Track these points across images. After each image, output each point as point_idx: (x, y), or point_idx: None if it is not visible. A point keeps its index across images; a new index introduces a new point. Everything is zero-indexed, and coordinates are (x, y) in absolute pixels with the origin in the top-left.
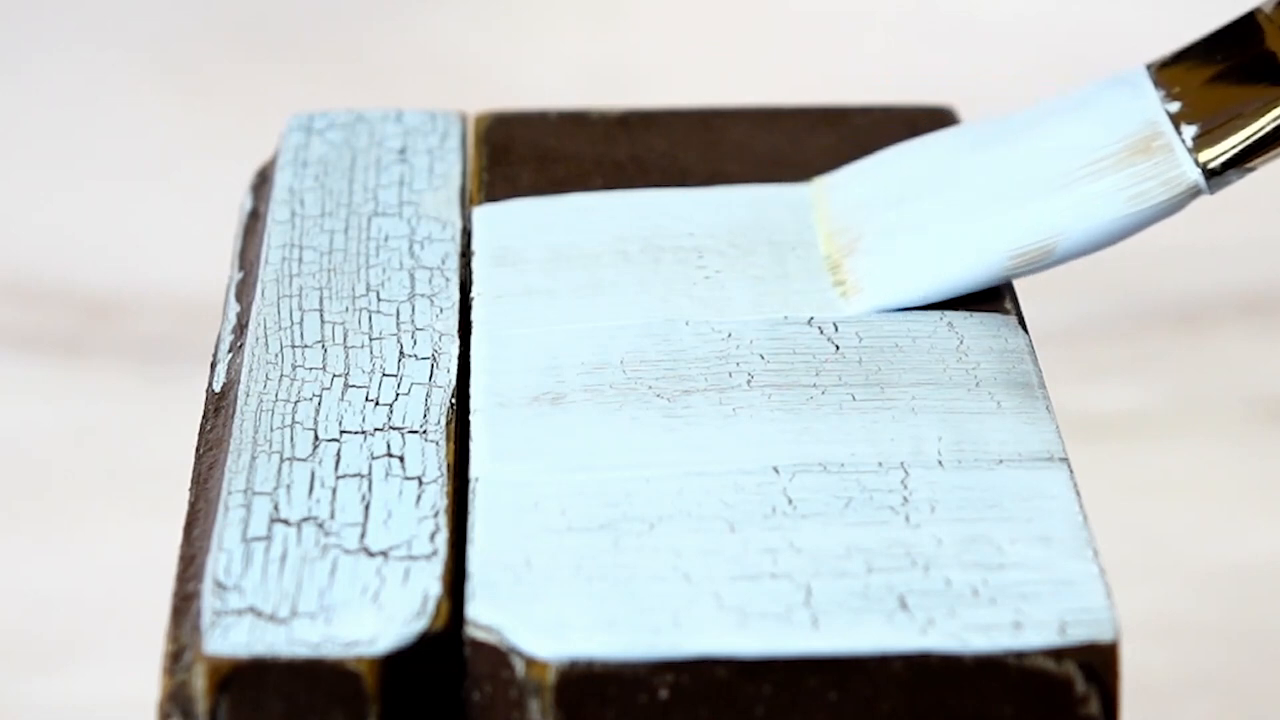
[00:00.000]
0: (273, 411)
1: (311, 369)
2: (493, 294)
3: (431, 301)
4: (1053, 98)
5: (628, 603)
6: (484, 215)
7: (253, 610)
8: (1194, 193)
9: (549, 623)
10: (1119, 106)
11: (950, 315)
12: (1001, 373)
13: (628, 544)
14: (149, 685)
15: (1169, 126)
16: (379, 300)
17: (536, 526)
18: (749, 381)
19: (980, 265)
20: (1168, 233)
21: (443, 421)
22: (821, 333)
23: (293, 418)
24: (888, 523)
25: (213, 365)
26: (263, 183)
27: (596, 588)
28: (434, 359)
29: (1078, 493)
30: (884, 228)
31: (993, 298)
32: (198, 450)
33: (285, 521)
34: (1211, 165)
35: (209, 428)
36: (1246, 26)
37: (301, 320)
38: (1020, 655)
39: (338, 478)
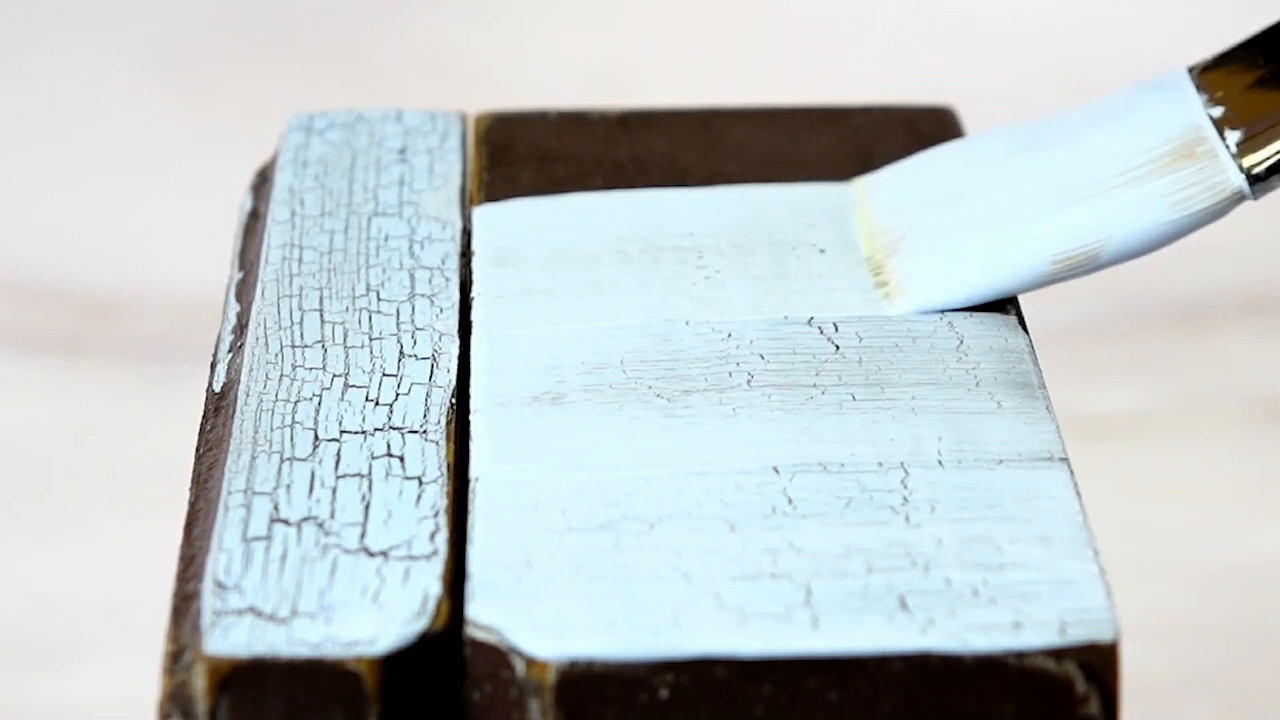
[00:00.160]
0: (273, 411)
1: (311, 369)
2: (493, 294)
3: (431, 301)
4: (1094, 101)
5: (628, 603)
6: (484, 215)
7: (253, 610)
8: (1238, 198)
9: (549, 623)
10: (1162, 111)
11: (950, 315)
12: (1001, 373)
13: (628, 544)
14: (149, 685)
15: (1212, 131)
16: (379, 300)
17: (536, 526)
18: (749, 381)
19: (1024, 269)
20: None
21: (443, 421)
22: (821, 333)
23: (293, 418)
24: (888, 523)
25: (213, 365)
26: (263, 183)
27: (596, 588)
28: (434, 359)
29: (1078, 493)
30: (927, 229)
31: None
32: (198, 450)
33: (285, 521)
34: (1256, 170)
35: (209, 428)
36: None
37: (301, 320)
38: (1020, 655)
39: (338, 478)
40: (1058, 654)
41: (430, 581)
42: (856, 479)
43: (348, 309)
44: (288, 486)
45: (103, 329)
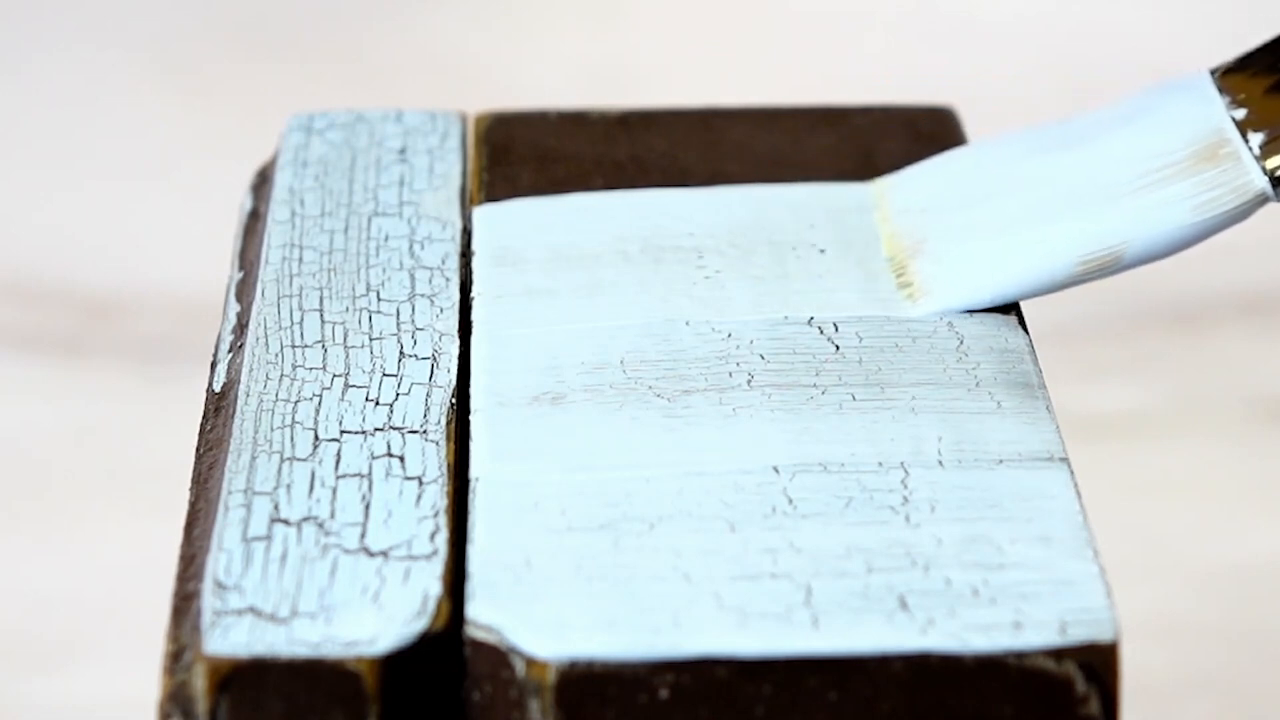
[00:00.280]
0: (273, 411)
1: (312, 369)
2: (493, 294)
3: (431, 301)
4: (1115, 102)
5: (628, 603)
6: (484, 215)
7: (253, 610)
8: (1262, 200)
9: (549, 623)
10: (1184, 113)
11: (950, 315)
12: (1001, 373)
13: (628, 544)
14: (149, 685)
15: (1235, 134)
16: (379, 300)
17: (536, 526)
18: (749, 381)
19: (1049, 270)
20: None
21: (443, 421)
22: (821, 333)
23: (293, 417)
24: (888, 523)
25: (213, 365)
26: (263, 183)
27: (596, 588)
28: (434, 359)
29: (1078, 493)
30: (950, 231)
31: None
32: (198, 450)
33: (285, 521)
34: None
35: (209, 428)
36: None
37: (302, 320)
38: (1020, 655)
39: (338, 477)
40: (1058, 654)
41: (430, 581)
42: (856, 479)
43: (348, 309)
44: (288, 486)
45: (103, 329)
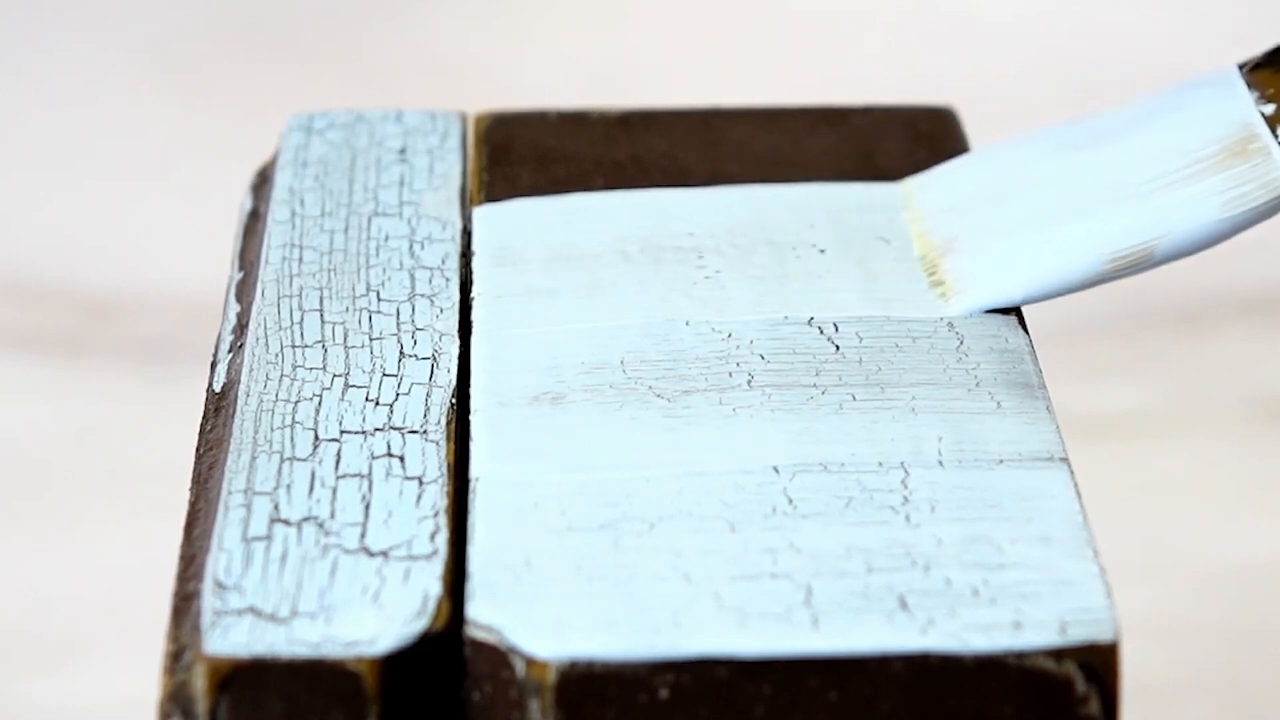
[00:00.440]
0: (273, 411)
1: (312, 369)
2: (493, 294)
3: (431, 301)
4: (1143, 98)
5: (628, 603)
6: (484, 215)
7: (253, 610)
8: None
9: (549, 623)
10: (1213, 109)
11: (950, 315)
12: (1001, 373)
13: (628, 544)
14: (149, 685)
15: (1265, 129)
16: (379, 300)
17: (536, 526)
18: (749, 381)
19: (1080, 268)
20: None
21: (443, 421)
22: (821, 333)
23: (293, 418)
24: (888, 523)
25: (213, 365)
26: (263, 183)
27: (596, 588)
28: (434, 359)
29: (1078, 493)
30: (981, 228)
31: None
32: (198, 450)
33: (285, 521)
34: None
35: (209, 428)
36: None
37: (302, 320)
38: (1020, 655)
39: (338, 478)
40: (1058, 654)
41: (430, 581)
42: (856, 479)
43: (348, 309)
44: (288, 486)
45: (103, 329)
